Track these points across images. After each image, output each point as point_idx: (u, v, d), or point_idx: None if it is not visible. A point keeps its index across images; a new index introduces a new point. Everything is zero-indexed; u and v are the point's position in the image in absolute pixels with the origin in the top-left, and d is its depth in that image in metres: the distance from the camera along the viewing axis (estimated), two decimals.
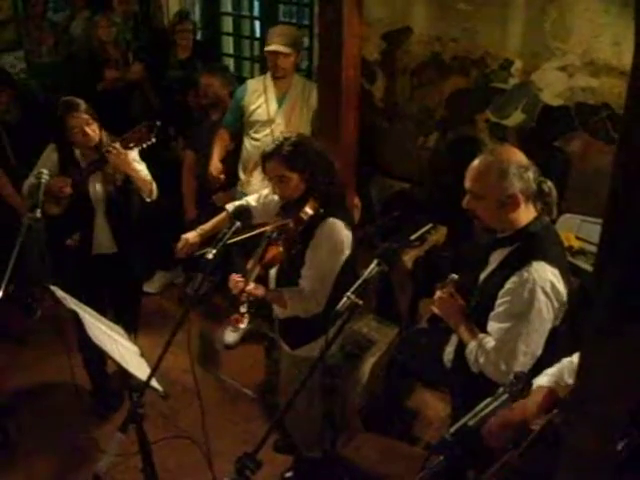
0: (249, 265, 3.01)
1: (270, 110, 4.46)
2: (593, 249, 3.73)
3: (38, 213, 3.14)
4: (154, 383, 2.47)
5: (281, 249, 2.98)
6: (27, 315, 4.97)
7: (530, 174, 2.48)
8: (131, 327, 3.96)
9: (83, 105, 3.64)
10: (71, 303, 2.68)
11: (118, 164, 3.60)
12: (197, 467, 3.49)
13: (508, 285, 2.47)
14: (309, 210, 2.95)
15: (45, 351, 4.51)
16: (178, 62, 5.49)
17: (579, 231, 3.89)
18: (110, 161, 3.58)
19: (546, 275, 2.42)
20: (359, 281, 2.09)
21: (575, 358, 2.23)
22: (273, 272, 3.18)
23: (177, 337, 2.37)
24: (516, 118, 4.48)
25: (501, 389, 1.86)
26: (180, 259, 5.21)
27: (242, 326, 2.96)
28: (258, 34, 6.09)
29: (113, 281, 4.04)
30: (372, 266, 2.17)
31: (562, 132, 4.29)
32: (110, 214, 3.85)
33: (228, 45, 6.36)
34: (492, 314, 2.54)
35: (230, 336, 4.79)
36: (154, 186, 3.83)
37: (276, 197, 3.18)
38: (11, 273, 3.00)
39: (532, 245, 2.49)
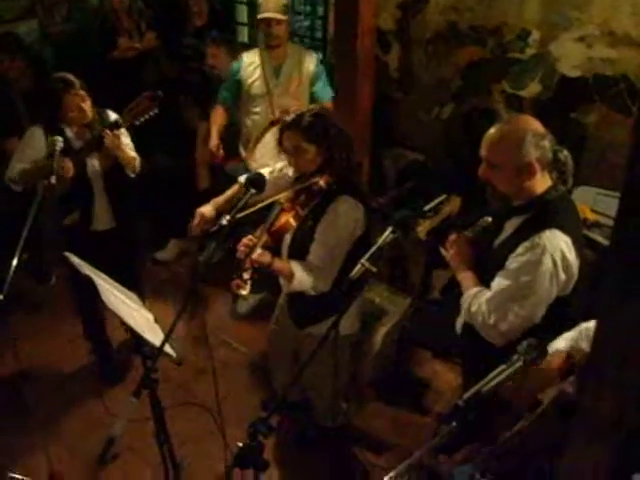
0: (257, 232, 2.98)
1: (268, 82, 4.42)
2: (609, 222, 3.71)
3: (53, 179, 3.15)
4: (168, 349, 2.48)
5: (291, 219, 2.94)
6: (41, 282, 5.04)
7: (546, 143, 2.45)
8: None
9: (78, 83, 3.56)
10: (86, 269, 2.69)
11: (112, 147, 3.59)
12: (209, 434, 3.54)
13: (519, 249, 2.46)
14: (322, 183, 2.92)
15: (59, 317, 4.56)
16: (194, 30, 5.45)
17: (594, 204, 3.87)
18: (106, 144, 3.56)
19: (558, 244, 2.41)
20: (373, 248, 2.09)
21: (591, 324, 2.22)
22: (285, 249, 3.15)
23: (190, 306, 2.37)
24: (533, 89, 4.43)
25: (515, 356, 1.86)
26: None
27: (243, 292, 2.89)
28: None
29: (112, 257, 4.00)
30: (386, 233, 2.15)
31: (579, 104, 4.24)
32: (109, 189, 3.82)
33: (242, 14, 6.31)
34: (499, 272, 2.54)
35: (242, 305, 4.82)
36: (137, 162, 3.82)
37: (290, 172, 3.15)
38: (25, 240, 3.01)
39: (547, 213, 2.47)
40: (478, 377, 1.93)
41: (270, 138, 4.26)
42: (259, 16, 4.35)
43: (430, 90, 4.98)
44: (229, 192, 3.30)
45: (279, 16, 4.28)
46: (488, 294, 2.55)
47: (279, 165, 3.30)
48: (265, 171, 3.33)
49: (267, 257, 2.93)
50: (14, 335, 3.77)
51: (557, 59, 4.27)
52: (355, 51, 3.95)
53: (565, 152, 2.54)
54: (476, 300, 2.57)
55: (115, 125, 3.58)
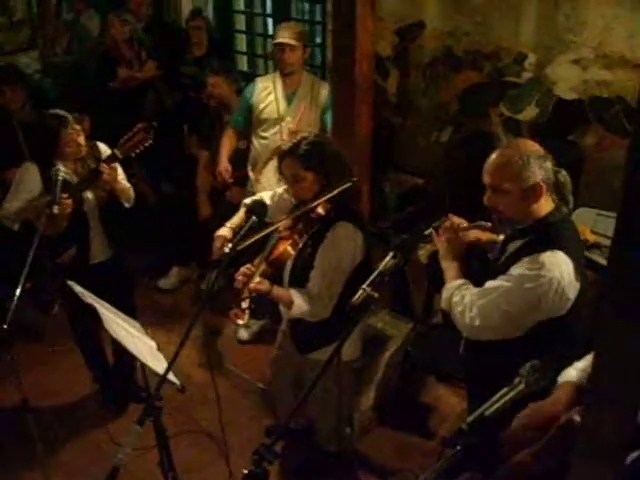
0: (256, 261, 2.99)
1: (279, 108, 4.46)
2: (608, 243, 3.71)
3: (56, 209, 3.17)
4: (171, 377, 2.49)
5: (289, 247, 2.95)
6: (44, 311, 5.03)
7: (548, 164, 2.46)
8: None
9: (71, 117, 3.59)
10: (89, 298, 2.70)
11: (110, 180, 3.59)
12: (213, 461, 3.54)
13: (519, 263, 2.45)
14: (320, 210, 2.93)
15: (62, 346, 4.55)
16: (193, 59, 5.51)
17: (594, 225, 3.87)
18: (104, 178, 3.56)
19: (559, 265, 2.39)
20: (374, 273, 2.09)
21: None
22: (286, 277, 3.14)
23: (193, 333, 2.38)
24: (530, 112, 4.46)
25: (517, 379, 1.85)
26: (196, 255, 5.29)
27: (241, 322, 2.91)
28: (271, 31, 6.11)
29: (108, 287, 3.96)
30: (387, 258, 2.15)
31: (576, 126, 4.27)
32: (104, 219, 3.80)
33: (241, 43, 6.38)
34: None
35: (243, 332, 4.82)
36: (132, 192, 3.84)
37: (290, 197, 3.16)
38: (29, 270, 3.02)
39: (549, 235, 2.46)
40: (483, 399, 1.92)
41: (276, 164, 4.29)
42: (273, 41, 4.42)
43: (428, 115, 5.02)
44: (241, 213, 3.27)
45: (292, 42, 4.32)
46: (474, 290, 2.53)
47: (280, 190, 3.32)
48: (267, 195, 3.35)
49: (266, 285, 2.94)
50: (16, 364, 3.77)
51: (553, 82, 4.30)
52: (353, 77, 3.99)
53: (564, 172, 2.56)
54: (459, 292, 2.56)
55: (112, 158, 3.58)
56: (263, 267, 2.95)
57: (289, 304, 2.99)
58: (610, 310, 1.13)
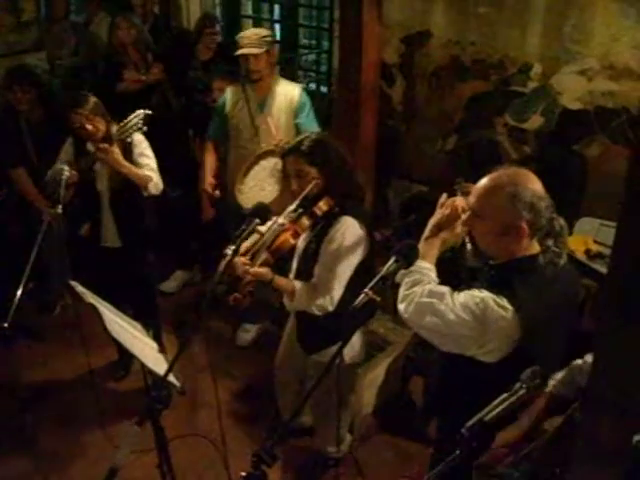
0: (258, 251, 3.02)
1: (253, 116, 4.41)
2: None
3: (59, 209, 3.19)
4: (171, 378, 2.48)
5: (289, 237, 2.98)
6: (46, 312, 5.04)
7: (542, 206, 2.21)
8: (150, 325, 3.97)
9: (89, 103, 3.74)
10: (90, 298, 2.70)
11: (108, 162, 3.70)
12: (212, 465, 3.52)
13: (474, 290, 2.28)
14: (323, 206, 2.98)
15: (63, 347, 4.55)
16: (200, 64, 5.52)
17: (597, 235, 3.87)
18: (100, 159, 3.68)
19: (494, 311, 2.20)
20: (377, 277, 2.08)
21: (588, 358, 2.13)
22: (292, 275, 3.18)
23: (195, 337, 2.37)
24: (535, 122, 4.47)
25: (518, 384, 1.85)
26: (199, 259, 5.30)
27: (241, 307, 2.96)
28: (278, 37, 6.13)
29: (122, 276, 4.09)
30: (390, 262, 2.13)
31: (581, 136, 4.27)
32: (114, 208, 3.96)
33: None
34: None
35: (243, 336, 4.82)
36: (152, 182, 3.87)
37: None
38: (31, 270, 3.02)
39: (512, 279, 2.24)
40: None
41: (258, 171, 4.26)
42: (236, 53, 4.36)
43: (433, 123, 5.03)
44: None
45: (254, 51, 4.26)
46: (428, 286, 2.36)
47: (278, 187, 3.39)
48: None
49: (267, 272, 2.97)
50: (17, 364, 3.78)
51: (559, 92, 4.31)
52: (359, 84, 4.00)
53: (561, 221, 2.31)
54: (419, 283, 2.37)
55: (107, 139, 3.72)
56: (264, 256, 2.97)
57: (291, 293, 3.03)
58: (610, 316, 1.13)
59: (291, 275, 3.18)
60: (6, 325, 2.83)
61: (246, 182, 4.27)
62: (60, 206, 3.21)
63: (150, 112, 3.72)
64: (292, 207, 3.01)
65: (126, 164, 3.76)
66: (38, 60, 6.06)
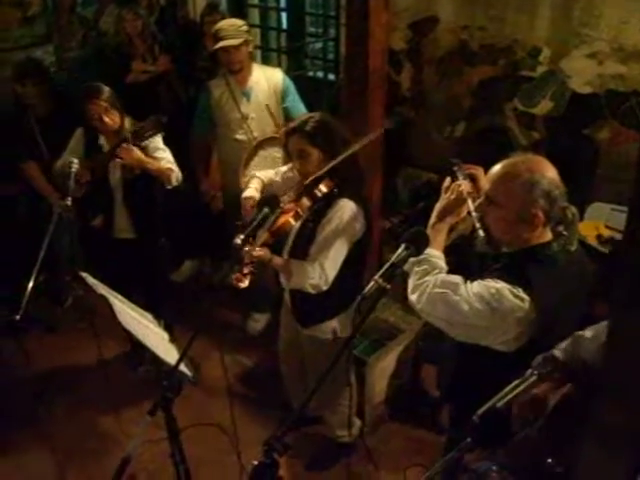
0: (259, 232, 3.04)
1: (240, 106, 4.40)
2: None
3: (69, 201, 3.20)
4: (183, 368, 2.49)
5: (290, 218, 3.01)
6: (57, 303, 5.07)
7: (558, 195, 2.21)
8: (161, 315, 3.98)
9: (105, 93, 3.73)
10: (101, 289, 2.71)
11: (129, 160, 3.67)
12: (225, 454, 3.54)
13: (489, 280, 2.25)
14: (323, 188, 3.02)
15: (75, 338, 4.58)
16: (207, 54, 5.50)
17: (609, 220, 3.85)
18: (121, 158, 3.66)
19: (513, 302, 2.19)
20: (387, 264, 2.06)
21: (587, 333, 2.10)
22: (286, 252, 3.23)
23: (204, 326, 2.37)
24: (544, 106, 4.43)
25: (529, 371, 1.84)
26: (209, 249, 5.31)
27: (242, 285, 2.96)
28: (285, 25, 6.10)
29: (136, 267, 4.11)
30: (400, 249, 2.09)
31: (591, 120, 4.24)
32: (128, 200, 3.96)
33: (255, 37, 6.36)
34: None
35: (253, 326, 4.83)
36: (174, 174, 3.86)
37: (295, 174, 3.23)
38: (42, 262, 3.04)
39: (527, 267, 2.23)
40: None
41: (258, 162, 4.27)
42: (215, 47, 4.33)
43: (442, 109, 5.00)
44: (255, 181, 3.44)
45: (233, 42, 4.25)
46: (440, 276, 2.36)
47: (284, 168, 3.45)
48: (272, 172, 3.47)
49: (266, 253, 3.02)
50: (29, 356, 3.80)
51: (568, 76, 4.27)
52: (367, 72, 3.97)
53: (573, 210, 2.30)
54: (430, 273, 2.38)
55: (124, 140, 3.68)
56: (265, 236, 3.00)
57: (289, 273, 3.08)
58: (621, 300, 1.12)
59: (285, 254, 3.23)
60: (18, 317, 2.84)
61: (248, 174, 4.28)
62: (70, 198, 3.22)
63: (164, 118, 3.74)
64: (293, 194, 3.06)
65: (149, 160, 3.76)
66: (45, 53, 6.06)
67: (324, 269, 3.02)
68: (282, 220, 3.01)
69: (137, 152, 3.66)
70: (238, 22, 4.44)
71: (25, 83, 4.42)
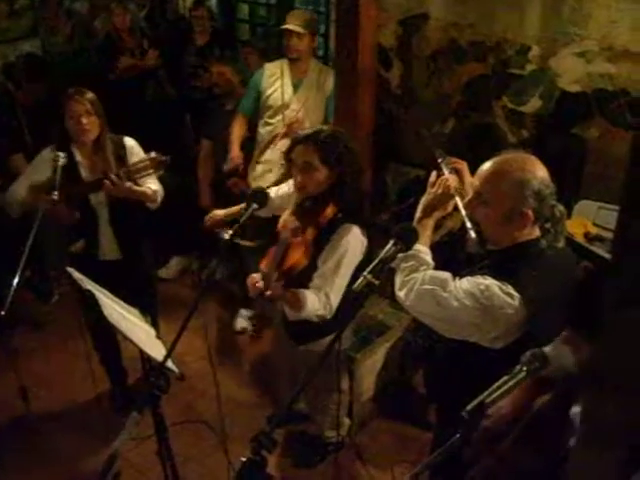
0: (263, 265, 2.90)
1: (285, 95, 4.44)
2: (610, 235, 3.70)
3: (55, 195, 3.16)
4: (170, 364, 2.47)
5: (303, 259, 2.86)
6: (43, 300, 5.03)
7: (548, 194, 2.21)
8: (148, 311, 3.88)
9: (90, 95, 3.48)
10: (87, 284, 2.69)
11: (119, 194, 3.45)
12: (212, 451, 3.53)
13: (477, 276, 2.26)
14: (328, 213, 2.86)
15: (61, 335, 4.55)
16: (196, 49, 5.49)
17: (596, 217, 3.86)
18: (105, 188, 3.39)
19: (503, 299, 2.18)
20: (376, 260, 2.05)
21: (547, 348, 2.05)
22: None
23: (193, 323, 2.35)
24: (533, 104, 4.43)
25: (518, 367, 1.83)
26: (196, 245, 5.29)
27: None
28: (274, 21, 6.08)
29: (123, 284, 3.91)
30: (389, 246, 2.08)
31: (580, 119, 4.24)
32: (114, 221, 3.70)
33: (244, 32, 6.35)
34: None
35: (241, 322, 4.82)
36: (157, 194, 3.67)
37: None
38: (27, 258, 3.00)
39: (516, 264, 2.23)
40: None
41: (272, 153, 4.28)
42: (281, 27, 4.43)
43: (431, 106, 4.99)
44: (241, 205, 3.15)
45: (298, 29, 4.31)
46: (429, 272, 2.35)
47: (285, 187, 3.23)
48: (272, 190, 3.26)
49: (280, 290, 2.85)
50: (15, 353, 3.76)
51: (557, 74, 4.27)
52: (356, 68, 3.97)
53: (561, 208, 2.29)
54: (416, 270, 2.37)
55: (97, 144, 3.53)
56: (276, 277, 2.84)
57: (300, 307, 2.87)
58: (613, 297, 1.12)
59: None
60: (3, 313, 2.81)
61: (260, 160, 4.32)
62: (56, 192, 3.17)
63: (168, 158, 3.41)
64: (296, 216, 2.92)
65: (138, 189, 3.52)
66: (31, 47, 6.02)
67: (329, 298, 2.88)
68: (295, 259, 2.84)
69: (126, 186, 3.43)
70: (310, 16, 4.54)
71: (32, 80, 4.39)
